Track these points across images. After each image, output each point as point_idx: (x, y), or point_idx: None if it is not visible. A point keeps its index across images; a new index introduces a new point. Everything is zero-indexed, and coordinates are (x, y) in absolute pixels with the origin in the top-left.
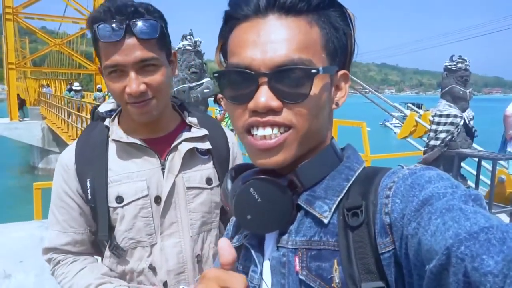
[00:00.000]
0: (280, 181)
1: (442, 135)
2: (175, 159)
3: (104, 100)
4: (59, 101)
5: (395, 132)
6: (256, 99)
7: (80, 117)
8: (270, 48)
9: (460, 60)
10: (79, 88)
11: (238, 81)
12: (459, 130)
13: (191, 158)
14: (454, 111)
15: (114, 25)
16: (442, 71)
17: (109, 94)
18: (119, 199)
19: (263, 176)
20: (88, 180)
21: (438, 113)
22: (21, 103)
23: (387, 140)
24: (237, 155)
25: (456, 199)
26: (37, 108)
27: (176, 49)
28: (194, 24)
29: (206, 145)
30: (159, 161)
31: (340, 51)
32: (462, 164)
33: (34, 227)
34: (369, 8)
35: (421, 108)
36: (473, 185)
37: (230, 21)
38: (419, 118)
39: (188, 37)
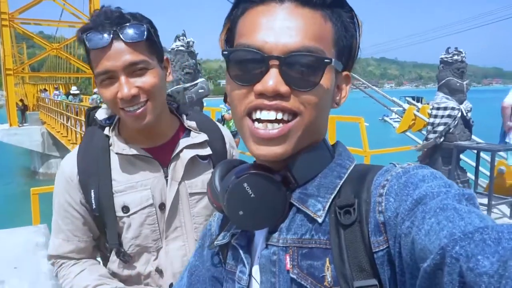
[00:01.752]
0: (275, 177)
1: (440, 128)
2: (178, 167)
3: (98, 102)
4: (58, 106)
5: (394, 127)
6: (264, 81)
7: (79, 121)
8: (285, 33)
9: (456, 52)
10: (77, 92)
11: (247, 62)
12: (456, 122)
13: (193, 165)
14: (452, 103)
15: (101, 32)
16: (438, 64)
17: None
18: (125, 208)
19: (258, 172)
20: (92, 191)
21: (436, 106)
22: (25, 109)
23: (386, 135)
24: (235, 157)
25: (450, 198)
26: (36, 113)
27: (169, 50)
28: (186, 25)
29: (207, 151)
30: (162, 170)
31: (346, 51)
32: (462, 156)
33: (30, 232)
34: (368, 1)
35: (421, 102)
36: (473, 177)
37: (243, 3)
38: (418, 111)
39: (181, 37)
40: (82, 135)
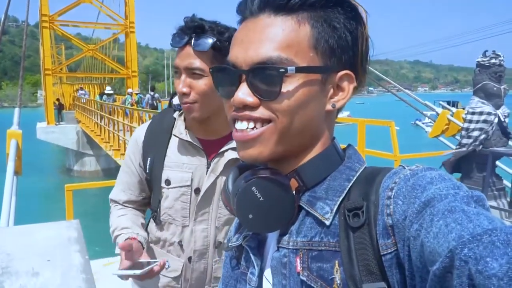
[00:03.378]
0: (283, 180)
1: (475, 133)
2: (220, 163)
3: (131, 103)
4: (92, 105)
5: (426, 131)
6: (235, 95)
7: (112, 120)
8: (253, 46)
9: (493, 55)
10: (111, 92)
11: (225, 78)
12: (493, 128)
13: (233, 165)
14: (488, 108)
15: (181, 35)
16: (475, 67)
17: (140, 96)
18: (167, 182)
19: (265, 175)
20: (149, 158)
21: (471, 110)
22: (61, 107)
23: (418, 139)
24: None
25: (458, 200)
26: (72, 112)
27: None
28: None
29: None
30: (206, 161)
31: (340, 50)
32: (498, 163)
33: (62, 227)
34: (403, 4)
35: (457, 106)
36: (509, 185)
37: (238, 23)
38: (452, 116)
39: None
40: (115, 134)
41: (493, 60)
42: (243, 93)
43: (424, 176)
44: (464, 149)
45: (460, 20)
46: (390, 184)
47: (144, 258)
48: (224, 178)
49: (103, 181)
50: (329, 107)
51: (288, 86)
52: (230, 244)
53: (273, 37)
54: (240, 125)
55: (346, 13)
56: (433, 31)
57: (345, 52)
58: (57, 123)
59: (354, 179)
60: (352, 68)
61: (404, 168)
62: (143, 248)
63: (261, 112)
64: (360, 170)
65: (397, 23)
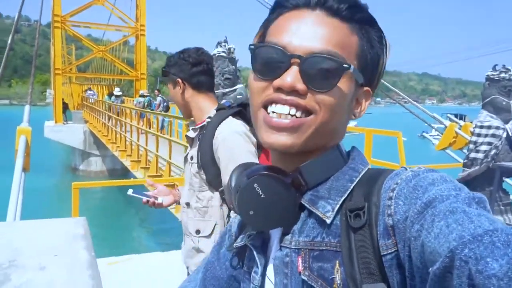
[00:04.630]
0: (285, 179)
1: (483, 148)
2: (195, 140)
3: (145, 105)
4: (100, 106)
5: (433, 143)
6: (283, 77)
7: (119, 121)
8: (310, 37)
9: (503, 70)
10: (120, 93)
11: (270, 57)
12: (502, 142)
13: (186, 141)
14: (496, 122)
15: None
16: (484, 81)
17: (149, 99)
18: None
19: (268, 173)
20: None
21: (479, 124)
22: (65, 107)
23: (425, 151)
24: (218, 146)
25: (460, 201)
26: (80, 112)
27: (211, 55)
28: (228, 32)
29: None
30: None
31: (369, 68)
32: (505, 178)
33: (69, 223)
34: (412, 17)
35: (464, 120)
36: None
37: (278, 9)
38: (459, 129)
39: (223, 44)
40: (122, 135)
41: (502, 74)
42: (293, 78)
43: (425, 178)
44: (477, 167)
45: (469, 34)
46: (392, 185)
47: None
48: (190, 151)
49: (110, 181)
50: (351, 115)
51: (341, 82)
52: (235, 244)
53: (332, 35)
54: (281, 109)
55: (378, 37)
56: (442, 44)
57: (373, 70)
58: (65, 122)
59: (357, 180)
60: (370, 86)
61: (406, 170)
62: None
63: (308, 101)
64: (363, 172)
65: (406, 35)
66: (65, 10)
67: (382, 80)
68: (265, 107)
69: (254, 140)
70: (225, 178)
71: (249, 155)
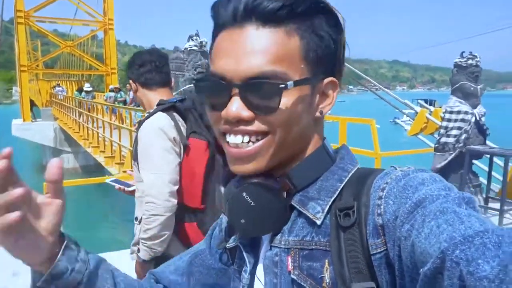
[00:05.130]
0: (273, 184)
1: (454, 132)
2: None
3: (115, 100)
4: (70, 102)
5: (405, 129)
6: (227, 109)
7: (91, 117)
8: (243, 59)
9: (470, 56)
10: (90, 89)
11: (213, 90)
12: (471, 126)
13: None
14: (465, 107)
15: None
16: (452, 68)
17: (121, 94)
18: None
19: (255, 181)
20: None
21: (449, 109)
22: (31, 105)
23: (398, 137)
24: (138, 141)
25: (450, 201)
26: (49, 109)
27: (183, 49)
28: (199, 25)
29: None
30: None
31: (326, 59)
32: (475, 161)
33: None
34: (381, 3)
35: (434, 105)
36: (485, 182)
37: (215, 29)
38: (430, 114)
39: (194, 37)
40: (94, 131)
41: (470, 61)
42: (237, 108)
43: (415, 177)
44: (451, 152)
45: (436, 21)
46: (382, 185)
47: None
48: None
49: (82, 179)
50: (318, 114)
51: (284, 100)
52: (228, 245)
53: (265, 50)
54: (234, 139)
55: (329, 21)
56: (411, 31)
57: (330, 60)
58: (33, 120)
59: (346, 180)
60: (334, 74)
61: (396, 169)
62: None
63: (258, 125)
64: (353, 171)
65: (376, 22)
66: (28, 5)
67: (353, 68)
68: (224, 136)
69: (172, 135)
70: (143, 174)
71: (163, 152)
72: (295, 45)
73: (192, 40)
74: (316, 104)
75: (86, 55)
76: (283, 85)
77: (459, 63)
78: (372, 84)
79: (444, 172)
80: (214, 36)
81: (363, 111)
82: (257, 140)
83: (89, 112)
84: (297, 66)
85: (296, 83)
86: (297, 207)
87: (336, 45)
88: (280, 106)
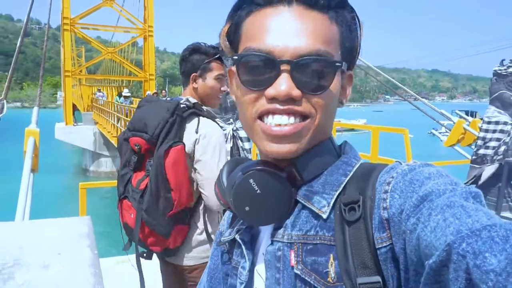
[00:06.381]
0: (281, 174)
1: (492, 144)
2: None
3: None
4: (110, 107)
5: (441, 140)
6: (276, 86)
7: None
8: (294, 36)
9: (511, 65)
10: (128, 94)
11: (257, 66)
12: (510, 138)
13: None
14: (504, 117)
15: None
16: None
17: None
18: None
19: (264, 168)
20: None
21: (486, 120)
22: (73, 109)
23: (435, 149)
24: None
25: (457, 195)
26: (90, 113)
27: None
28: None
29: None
30: None
31: (352, 52)
32: None
33: (74, 223)
34: (419, 13)
35: (475, 116)
36: None
37: (248, 5)
38: (468, 125)
39: None
40: None
41: (510, 69)
42: (288, 86)
43: (422, 172)
44: (489, 164)
45: (479, 29)
46: (387, 179)
47: None
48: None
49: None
50: (339, 104)
51: (334, 81)
52: (222, 238)
53: (317, 31)
54: (279, 119)
55: (352, 18)
56: (452, 40)
57: (353, 53)
58: (75, 124)
59: (350, 174)
60: (350, 69)
61: (401, 164)
62: None
63: (304, 106)
64: (357, 166)
65: (416, 32)
66: (74, 13)
67: (390, 78)
68: (260, 117)
69: None
70: (210, 163)
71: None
72: (336, 31)
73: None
74: (340, 94)
75: (126, 61)
76: (339, 64)
77: (499, 71)
78: (410, 94)
79: (482, 185)
80: (247, 13)
81: (401, 122)
82: (300, 121)
83: (127, 117)
84: (337, 51)
85: (345, 66)
86: (301, 201)
87: (356, 42)
88: (331, 86)
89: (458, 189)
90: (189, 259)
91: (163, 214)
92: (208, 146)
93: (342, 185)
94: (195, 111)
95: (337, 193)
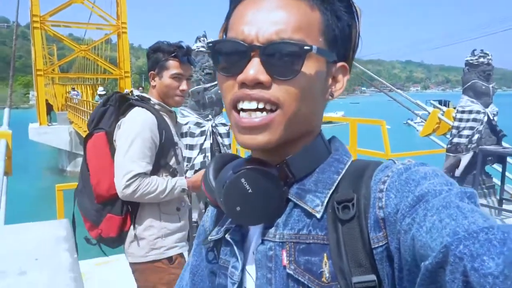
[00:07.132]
0: (273, 172)
1: (466, 132)
2: None
3: None
4: (85, 106)
5: (417, 130)
6: (245, 71)
7: None
8: (267, 25)
9: (482, 54)
10: (104, 92)
11: (231, 53)
12: (483, 126)
13: None
14: (477, 106)
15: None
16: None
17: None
18: None
19: (255, 167)
20: None
21: (460, 109)
22: (49, 108)
23: (411, 139)
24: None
25: (453, 196)
26: (65, 113)
27: None
28: (207, 26)
29: None
30: None
31: (341, 41)
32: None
33: (51, 226)
34: (393, 4)
35: (448, 106)
36: (498, 183)
37: (235, 0)
38: (442, 115)
39: (202, 38)
40: None
41: (481, 59)
42: (256, 70)
43: (417, 171)
44: (464, 153)
45: (451, 20)
46: (383, 178)
47: None
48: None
49: None
50: (328, 96)
51: (305, 66)
52: (210, 237)
53: (290, 18)
54: (248, 105)
55: (346, 7)
56: (424, 31)
57: (344, 44)
58: (50, 124)
59: (343, 172)
60: (346, 61)
61: (395, 163)
62: None
63: (273, 92)
64: (348, 163)
65: (389, 23)
66: (44, 10)
67: (366, 70)
68: (235, 106)
69: None
70: None
71: None
72: (316, 18)
73: (200, 41)
74: (329, 85)
75: (100, 59)
76: (308, 47)
77: (470, 61)
78: (385, 86)
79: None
80: (234, 5)
81: (377, 113)
82: (270, 111)
83: None
84: (315, 38)
85: (320, 51)
86: (294, 200)
87: (350, 31)
88: (303, 70)
89: (454, 190)
90: (129, 255)
91: (89, 199)
92: (123, 132)
93: (335, 184)
94: (132, 102)
95: (330, 192)
